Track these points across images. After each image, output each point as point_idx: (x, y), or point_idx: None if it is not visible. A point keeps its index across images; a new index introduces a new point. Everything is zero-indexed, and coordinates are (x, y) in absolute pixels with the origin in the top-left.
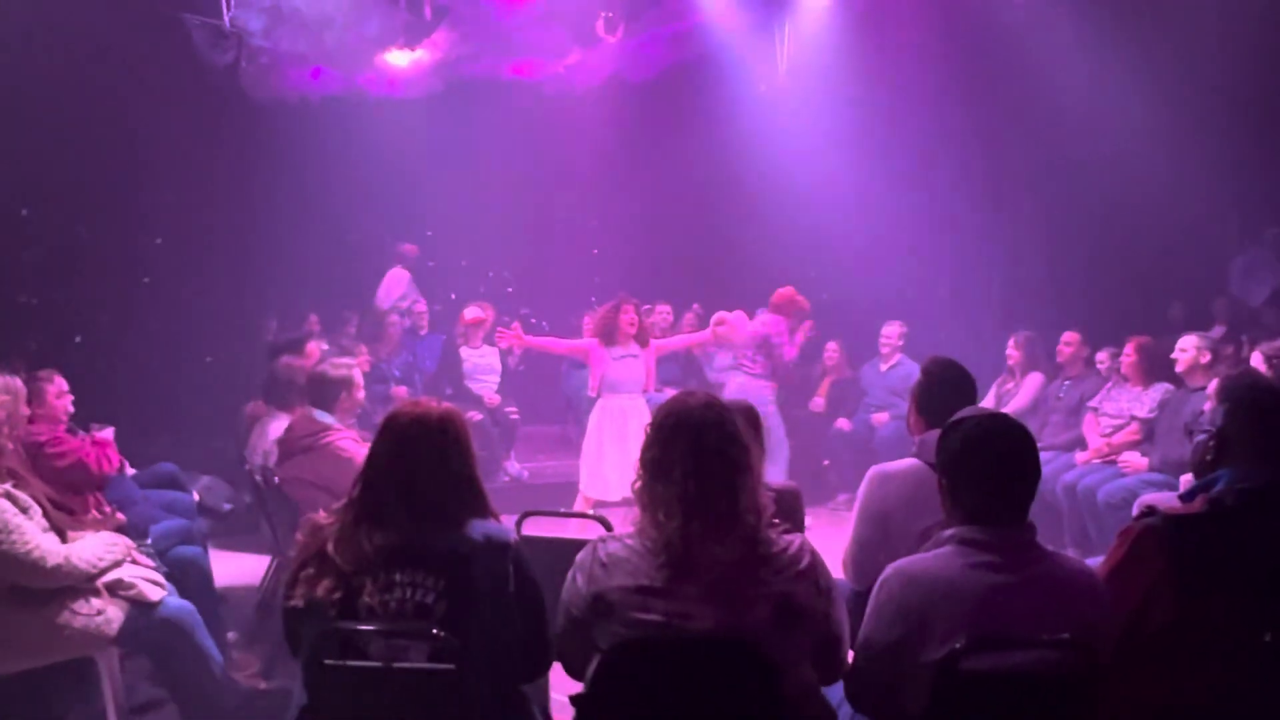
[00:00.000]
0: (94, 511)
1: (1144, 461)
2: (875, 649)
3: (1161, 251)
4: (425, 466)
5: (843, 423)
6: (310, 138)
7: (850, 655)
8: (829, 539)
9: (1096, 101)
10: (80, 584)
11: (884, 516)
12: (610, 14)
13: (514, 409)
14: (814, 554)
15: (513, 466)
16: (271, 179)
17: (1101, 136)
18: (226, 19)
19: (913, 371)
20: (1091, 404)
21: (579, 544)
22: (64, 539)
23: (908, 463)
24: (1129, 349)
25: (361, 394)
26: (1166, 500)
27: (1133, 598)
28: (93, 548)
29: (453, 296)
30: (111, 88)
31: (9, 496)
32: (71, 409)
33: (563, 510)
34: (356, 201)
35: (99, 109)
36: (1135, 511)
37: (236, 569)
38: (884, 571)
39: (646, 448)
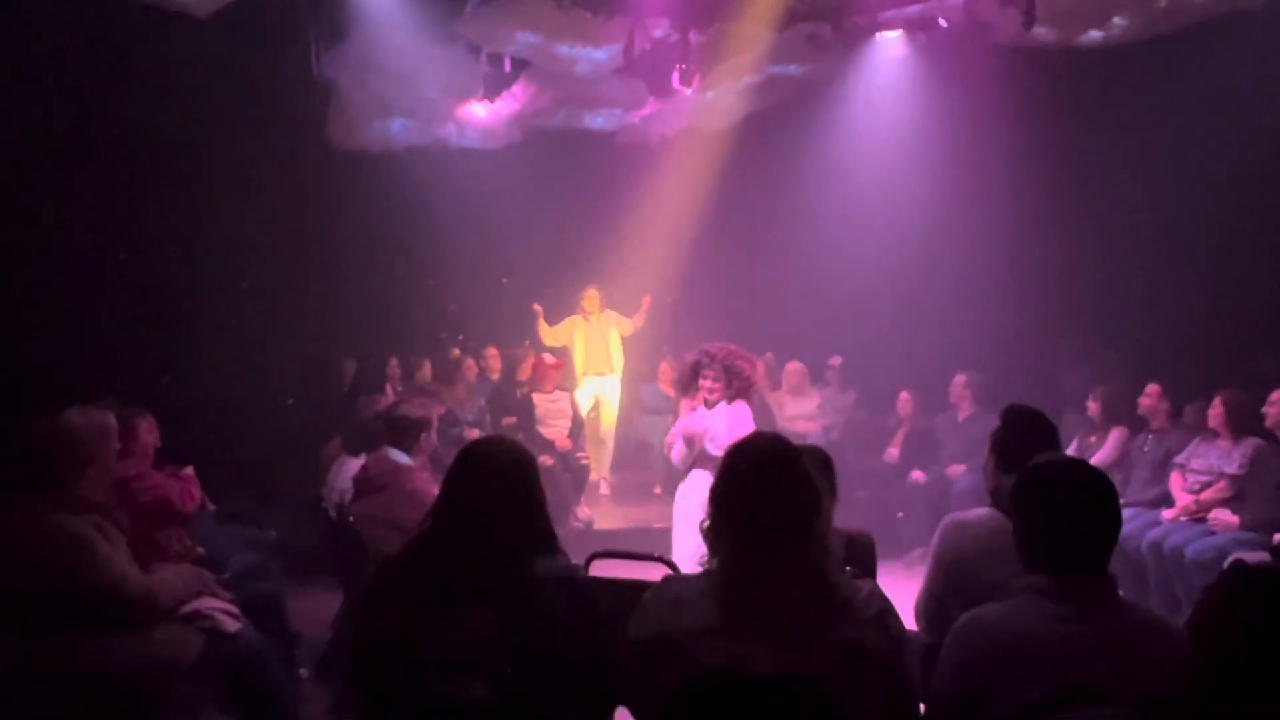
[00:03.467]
0: (176, 545)
1: (1235, 519)
2: (947, 702)
3: (1252, 301)
4: (496, 499)
5: (918, 475)
6: (392, 186)
7: (922, 709)
8: (903, 593)
9: (1180, 148)
10: (160, 613)
11: (958, 566)
12: (686, 66)
13: (585, 454)
14: (885, 600)
15: (583, 512)
16: (354, 226)
17: (1188, 185)
18: (315, 71)
19: (992, 423)
20: (1178, 460)
21: (647, 586)
22: (147, 571)
23: (984, 511)
24: (1216, 403)
25: (435, 436)
26: (1259, 560)
27: (1219, 654)
28: (173, 579)
29: (526, 343)
30: (203, 137)
31: (98, 528)
32: (159, 445)
33: (631, 552)
34: (436, 248)
35: (190, 158)
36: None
37: (311, 606)
38: (957, 621)
39: (715, 486)
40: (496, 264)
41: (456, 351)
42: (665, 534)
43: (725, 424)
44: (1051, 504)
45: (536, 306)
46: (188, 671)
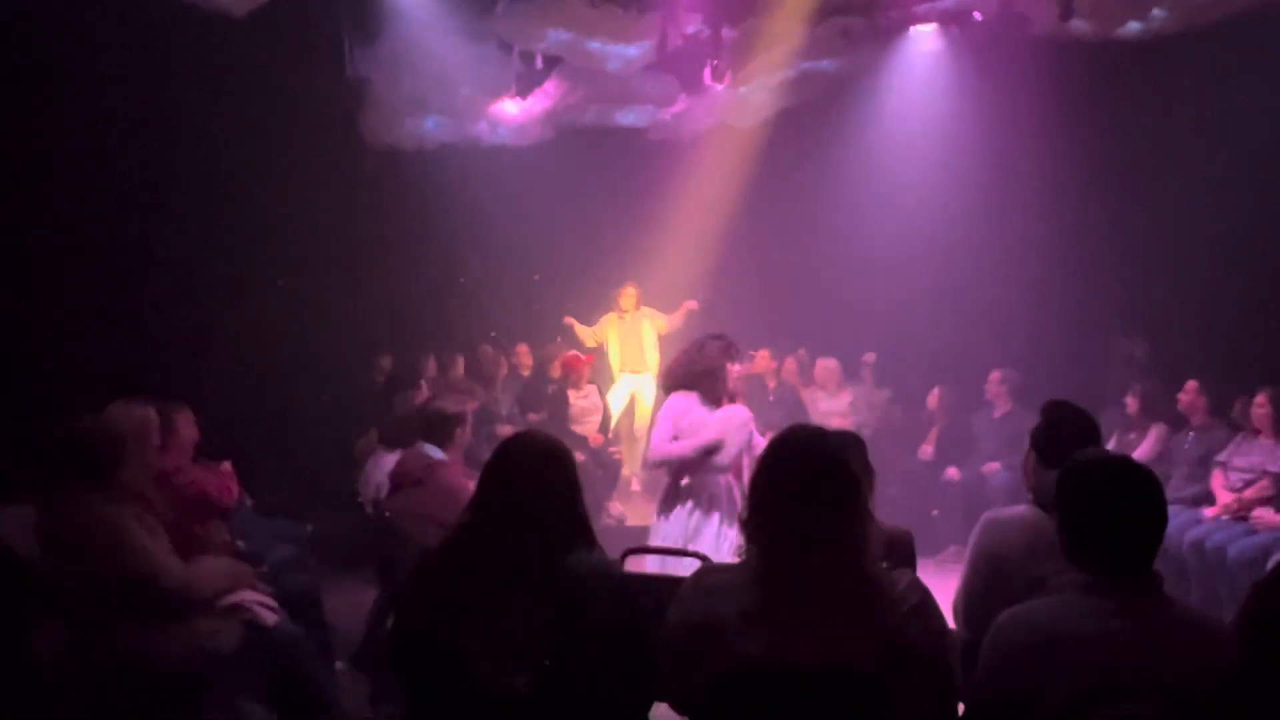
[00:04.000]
0: (215, 539)
1: (1278, 518)
2: (989, 701)
3: None
4: (533, 494)
5: (952, 472)
6: (426, 183)
7: (962, 708)
8: (938, 591)
9: (1215, 142)
10: (199, 605)
11: (996, 563)
12: (718, 62)
13: (618, 449)
14: (926, 592)
15: (615, 508)
16: (388, 222)
17: (1223, 179)
18: (349, 69)
19: (1028, 420)
20: (1220, 458)
21: (682, 582)
22: (187, 563)
23: (1022, 508)
24: (1260, 399)
25: (470, 432)
26: None
27: (1266, 652)
28: (212, 572)
29: (558, 339)
30: (237, 134)
31: (139, 520)
32: (199, 439)
33: (666, 548)
34: (469, 244)
35: (224, 154)
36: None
37: (348, 600)
38: (997, 619)
39: (755, 475)
40: (528, 260)
41: (488, 348)
42: None
43: (737, 426)
44: (1096, 499)
45: (569, 319)
46: (227, 662)
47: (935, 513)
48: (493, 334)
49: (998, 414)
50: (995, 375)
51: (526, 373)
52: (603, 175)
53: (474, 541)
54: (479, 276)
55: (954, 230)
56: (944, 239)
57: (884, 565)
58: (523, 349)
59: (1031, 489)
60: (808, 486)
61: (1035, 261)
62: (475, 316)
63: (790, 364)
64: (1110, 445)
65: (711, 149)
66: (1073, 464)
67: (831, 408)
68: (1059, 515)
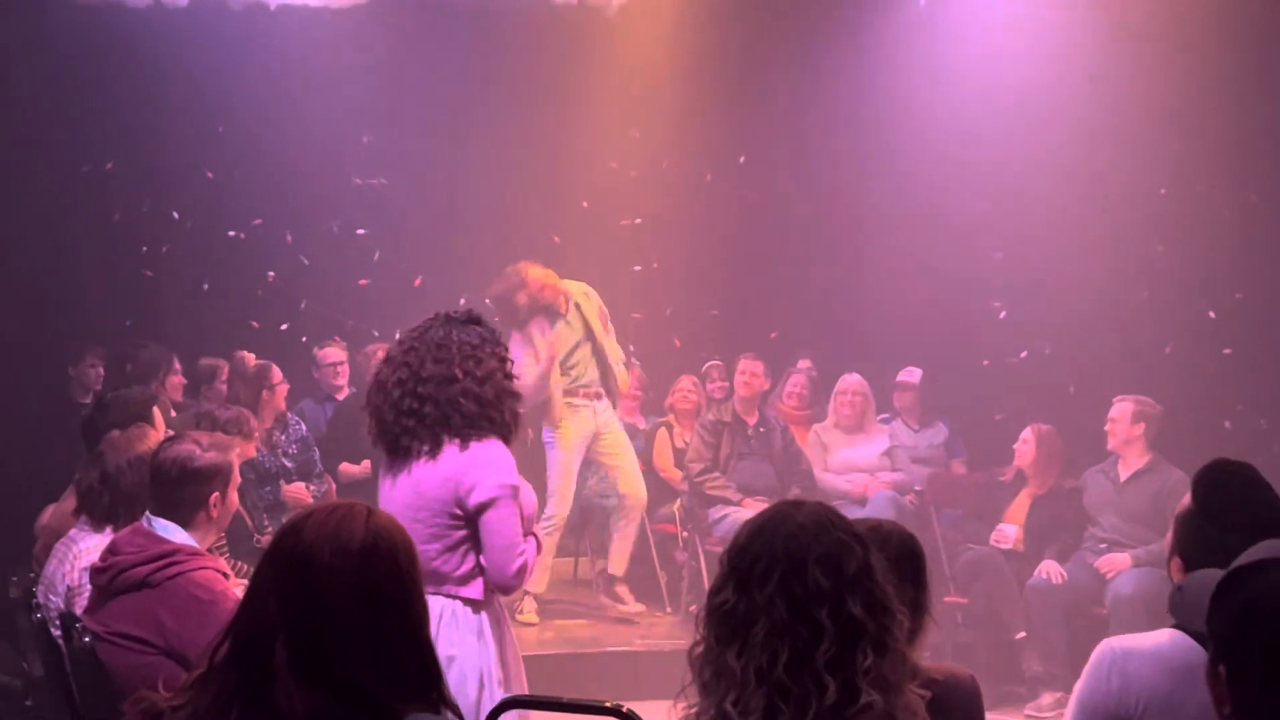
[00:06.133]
0: None
1: None
2: None
3: None
4: (336, 619)
5: (1050, 568)
6: (150, 66)
7: None
8: None
9: None
10: None
11: None
12: None
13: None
14: None
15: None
16: (91, 119)
17: None
18: None
19: (1177, 485)
20: None
21: None
22: None
23: (1162, 636)
24: None
25: (235, 498)
26: None
27: None
28: None
29: (398, 336)
30: None
31: None
32: None
33: (566, 700)
34: (238, 178)
35: None
36: None
37: None
38: None
39: (714, 590)
40: (343, 206)
41: (244, 358)
42: (627, 661)
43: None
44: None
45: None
46: None
47: (1022, 635)
48: (284, 327)
49: (1127, 472)
50: (1127, 407)
51: (340, 394)
52: (474, 57)
53: (234, 696)
54: (263, 232)
55: (1059, 188)
56: (1042, 198)
57: None
58: (332, 355)
59: (1174, 600)
60: (794, 609)
61: (1182, 241)
62: (250, 298)
63: (795, 384)
64: None
65: (657, 25)
66: (1239, 573)
67: (855, 459)
68: (1216, 652)
